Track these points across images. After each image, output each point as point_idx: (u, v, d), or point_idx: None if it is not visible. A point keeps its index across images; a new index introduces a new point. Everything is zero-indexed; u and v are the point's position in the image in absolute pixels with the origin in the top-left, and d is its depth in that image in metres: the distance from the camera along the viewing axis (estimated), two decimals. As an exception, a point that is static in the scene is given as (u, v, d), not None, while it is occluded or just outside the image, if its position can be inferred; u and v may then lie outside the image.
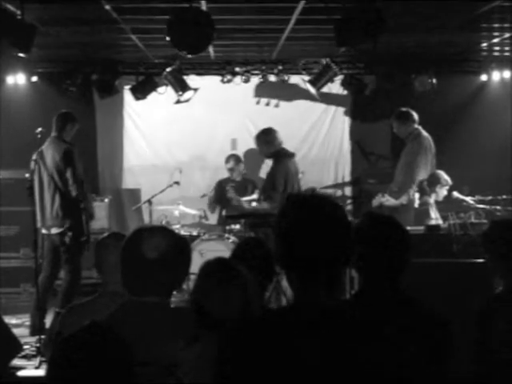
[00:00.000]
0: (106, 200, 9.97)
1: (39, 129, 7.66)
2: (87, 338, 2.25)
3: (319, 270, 2.18)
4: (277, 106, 10.50)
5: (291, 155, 8.97)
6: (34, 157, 7.75)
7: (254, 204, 9.14)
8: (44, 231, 7.86)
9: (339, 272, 2.25)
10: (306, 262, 2.18)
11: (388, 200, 8.36)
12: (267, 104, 10.50)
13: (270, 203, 8.55)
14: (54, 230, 7.80)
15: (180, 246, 3.07)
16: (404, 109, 8.90)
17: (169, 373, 2.58)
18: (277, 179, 8.66)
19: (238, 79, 9.95)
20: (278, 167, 8.76)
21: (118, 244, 3.28)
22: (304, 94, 10.29)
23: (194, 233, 9.28)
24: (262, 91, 10.48)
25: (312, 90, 9.76)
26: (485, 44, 9.03)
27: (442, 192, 8.22)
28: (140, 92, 9.82)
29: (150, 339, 2.73)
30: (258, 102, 10.51)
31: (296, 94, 10.53)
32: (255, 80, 10.07)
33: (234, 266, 3.44)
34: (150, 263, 2.94)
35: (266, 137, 8.95)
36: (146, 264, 2.95)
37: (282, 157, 8.84)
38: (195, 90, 9.79)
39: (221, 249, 8.43)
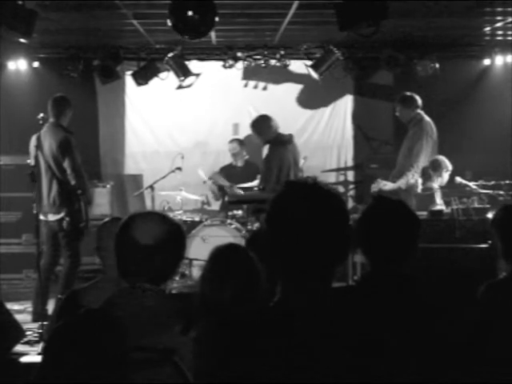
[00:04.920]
0: (108, 186, 9.96)
1: (41, 114, 7.63)
2: (83, 323, 2.25)
3: (311, 264, 2.10)
4: (265, 88, 10.42)
5: (288, 141, 8.78)
6: (33, 142, 7.73)
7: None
8: (41, 217, 7.82)
9: (333, 268, 2.15)
10: (298, 255, 2.09)
11: (386, 185, 8.33)
12: (264, 88, 10.41)
13: (264, 193, 8.37)
14: (51, 217, 7.80)
15: (174, 232, 3.05)
16: (408, 93, 8.84)
17: (165, 357, 2.58)
18: (269, 169, 8.44)
19: (239, 64, 9.91)
20: (271, 156, 8.54)
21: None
22: (306, 79, 10.24)
23: (197, 218, 9.25)
24: (260, 75, 10.45)
25: (314, 75, 9.70)
26: (488, 28, 8.97)
27: (446, 177, 8.20)
28: (142, 77, 9.79)
29: (145, 324, 2.73)
30: (254, 86, 10.40)
31: (298, 79, 10.49)
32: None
33: (245, 253, 3.43)
34: (144, 249, 2.94)
35: (261, 124, 8.80)
36: (140, 250, 2.94)
37: (276, 144, 8.63)
38: (197, 75, 9.75)
39: (223, 234, 8.42)
